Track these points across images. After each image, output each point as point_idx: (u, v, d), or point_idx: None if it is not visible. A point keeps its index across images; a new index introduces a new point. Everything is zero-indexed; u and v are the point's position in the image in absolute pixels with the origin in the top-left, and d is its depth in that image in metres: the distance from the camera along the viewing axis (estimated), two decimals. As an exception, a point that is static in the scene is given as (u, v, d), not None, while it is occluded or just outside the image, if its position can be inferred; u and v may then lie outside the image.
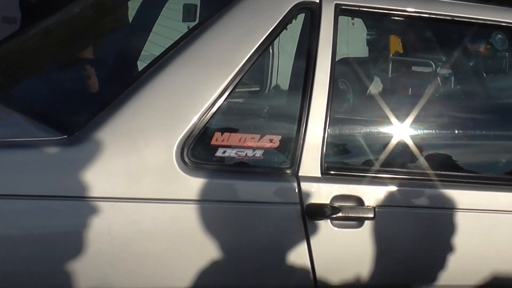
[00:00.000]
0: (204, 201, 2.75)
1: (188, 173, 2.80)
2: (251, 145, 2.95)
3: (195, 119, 2.81)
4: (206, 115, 2.82)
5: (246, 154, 2.99)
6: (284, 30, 2.92)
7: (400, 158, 3.18)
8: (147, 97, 2.71)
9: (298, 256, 2.83)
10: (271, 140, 2.98)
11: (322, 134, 2.98)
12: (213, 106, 2.84)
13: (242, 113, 3.25)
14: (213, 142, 2.94)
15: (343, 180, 3.03)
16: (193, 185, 2.76)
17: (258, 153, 2.98)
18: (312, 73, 2.94)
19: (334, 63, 2.94)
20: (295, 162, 3.00)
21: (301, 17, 2.98)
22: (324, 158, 3.00)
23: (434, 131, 3.44)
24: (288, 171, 3.00)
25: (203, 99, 2.81)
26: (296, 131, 2.98)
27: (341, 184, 3.01)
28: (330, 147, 3.08)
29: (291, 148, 2.99)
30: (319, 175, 3.01)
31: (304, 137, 2.96)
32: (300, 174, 3.01)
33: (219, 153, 2.95)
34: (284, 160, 3.01)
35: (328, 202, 2.94)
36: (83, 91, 3.41)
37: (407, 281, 3.02)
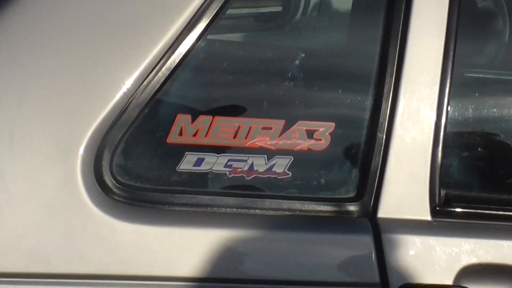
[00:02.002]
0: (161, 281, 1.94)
1: (111, 212, 1.94)
2: (266, 145, 2.02)
3: (123, 88, 1.94)
4: (150, 76, 1.95)
5: (254, 167, 2.03)
6: None
7: None
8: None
9: None
10: (311, 135, 2.04)
11: (434, 133, 2.07)
12: (168, 54, 1.96)
13: (240, 69, 2.18)
14: (172, 138, 2.00)
15: (481, 230, 2.13)
16: (125, 240, 1.92)
17: (282, 166, 2.03)
18: None
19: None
20: (370, 189, 2.09)
21: None
22: (439, 182, 2.10)
23: None
24: (353, 209, 2.10)
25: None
26: (371, 120, 2.07)
27: (478, 238, 2.09)
28: (450, 159, 2.24)
29: (361, 156, 2.11)
30: (428, 218, 2.08)
31: (390, 134, 2.06)
32: (380, 215, 2.07)
33: (186, 164, 2.01)
34: (344, 182, 2.12)
35: (451, 282, 2.05)
36: None
37: None
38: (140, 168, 1.99)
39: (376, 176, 2.03)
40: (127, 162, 1.98)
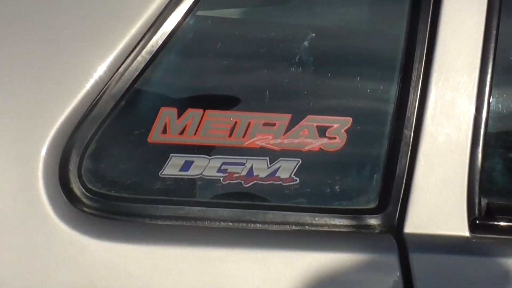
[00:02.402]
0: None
1: (80, 227, 1.78)
2: (268, 144, 1.84)
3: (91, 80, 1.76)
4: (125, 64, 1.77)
5: (253, 171, 1.84)
6: None
7: None
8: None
9: None
10: (324, 132, 1.85)
11: (473, 130, 1.87)
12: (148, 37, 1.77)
13: (237, 53, 1.93)
14: (154, 136, 1.81)
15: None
16: (97, 261, 1.76)
17: (287, 170, 1.83)
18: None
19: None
20: (395, 198, 1.90)
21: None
22: (479, 189, 1.90)
23: None
24: (374, 222, 1.91)
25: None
26: (397, 114, 1.87)
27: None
28: (492, 161, 2.02)
29: (384, 158, 1.92)
30: (466, 234, 1.90)
31: (420, 131, 1.84)
32: (408, 230, 1.89)
33: (172, 168, 1.83)
34: (363, 190, 1.95)
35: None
36: None
37: None
38: (115, 173, 1.86)
39: (402, 182, 1.88)
40: (100, 166, 1.86)
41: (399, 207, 1.92)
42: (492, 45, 1.89)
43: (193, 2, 1.81)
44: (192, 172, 1.85)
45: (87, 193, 1.84)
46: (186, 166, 1.86)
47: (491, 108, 1.95)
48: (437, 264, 1.83)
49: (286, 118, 1.86)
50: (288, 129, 1.85)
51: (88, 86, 1.74)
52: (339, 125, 1.87)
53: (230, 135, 1.84)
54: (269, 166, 1.85)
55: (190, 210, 1.83)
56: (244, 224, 1.83)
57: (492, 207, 1.96)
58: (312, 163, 1.91)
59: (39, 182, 1.76)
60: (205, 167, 1.85)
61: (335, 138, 1.87)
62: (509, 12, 1.96)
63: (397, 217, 1.92)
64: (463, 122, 1.87)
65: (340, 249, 1.83)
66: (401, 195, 1.90)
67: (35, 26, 1.81)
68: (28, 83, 1.76)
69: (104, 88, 1.79)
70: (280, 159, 1.86)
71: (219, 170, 1.85)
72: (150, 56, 1.77)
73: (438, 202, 1.87)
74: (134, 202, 1.82)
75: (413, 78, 1.85)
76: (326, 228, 1.86)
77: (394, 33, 1.93)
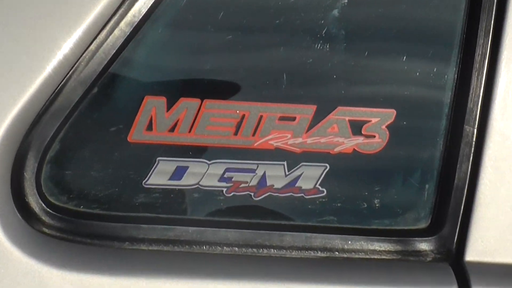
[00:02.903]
0: None
1: (38, 254, 1.57)
2: (286, 145, 1.59)
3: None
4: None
5: (266, 180, 1.57)
6: None
7: None
8: None
9: None
10: (359, 129, 1.59)
11: None
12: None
13: (244, 25, 1.61)
14: (136, 134, 1.58)
15: None
16: None
17: (311, 178, 1.57)
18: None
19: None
20: (453, 216, 1.65)
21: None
22: None
23: None
24: (425, 247, 1.67)
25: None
26: (455, 105, 1.59)
27: None
28: None
29: (438, 163, 1.65)
30: None
31: (485, 128, 1.58)
32: (470, 258, 1.65)
33: (159, 175, 1.59)
34: (411, 205, 1.69)
35: None
36: None
37: None
38: (85, 183, 1.63)
39: (462, 195, 1.66)
40: (64, 173, 1.64)
41: (458, 228, 1.72)
42: None
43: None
44: (186, 181, 1.64)
45: (48, 209, 1.65)
46: (178, 173, 1.67)
47: None
48: None
49: (309, 110, 1.65)
50: (312, 125, 1.65)
51: (49, 68, 1.57)
52: (379, 119, 1.67)
53: (236, 133, 1.64)
54: (287, 173, 1.65)
55: (184, 232, 1.63)
56: (255, 250, 1.65)
57: None
58: (343, 169, 1.70)
59: None
60: (203, 175, 1.64)
61: (373, 136, 1.67)
62: None
63: (455, 240, 1.73)
64: None
65: (380, 282, 1.66)
66: (461, 212, 1.69)
67: None
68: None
69: (71, 71, 1.59)
70: (302, 164, 1.65)
71: (222, 179, 1.65)
72: (131, 29, 1.58)
73: (511, 221, 1.63)
74: (110, 220, 1.63)
75: (477, 57, 1.63)
76: (362, 255, 1.70)
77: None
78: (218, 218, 1.64)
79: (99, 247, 1.60)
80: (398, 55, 1.61)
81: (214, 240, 1.58)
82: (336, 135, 1.60)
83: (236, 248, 1.57)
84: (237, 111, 1.64)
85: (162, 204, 1.66)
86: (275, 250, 1.61)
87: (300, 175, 1.62)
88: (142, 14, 1.56)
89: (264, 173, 1.63)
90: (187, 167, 1.64)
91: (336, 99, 1.64)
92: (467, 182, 1.64)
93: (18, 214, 1.56)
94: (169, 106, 1.62)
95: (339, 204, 1.67)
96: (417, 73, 1.61)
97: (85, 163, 1.64)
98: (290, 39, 1.63)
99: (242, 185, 1.65)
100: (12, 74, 1.56)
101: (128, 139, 1.62)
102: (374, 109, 1.64)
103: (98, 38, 1.56)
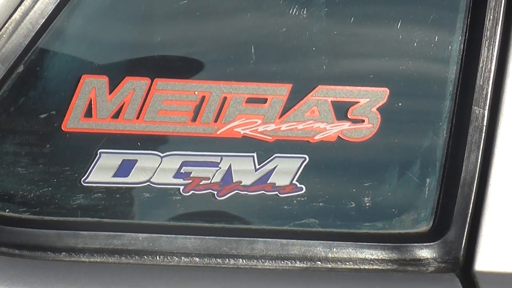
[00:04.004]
0: None
1: None
2: (256, 133, 1.42)
3: None
4: None
5: (232, 175, 1.41)
6: None
7: None
8: None
9: None
10: (344, 111, 1.41)
11: None
12: None
13: None
14: (72, 121, 1.41)
15: None
16: None
17: (286, 173, 1.42)
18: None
19: None
20: (460, 217, 1.48)
21: None
22: None
23: None
24: (427, 255, 1.54)
25: None
26: (461, 84, 1.42)
27: None
28: None
29: (441, 153, 1.49)
30: None
31: (498, 111, 1.42)
32: (480, 268, 1.51)
33: (101, 171, 1.42)
34: (408, 205, 1.52)
35: None
36: None
37: None
38: (10, 181, 1.44)
39: (471, 192, 1.50)
40: None
41: (466, 231, 1.55)
42: None
43: None
44: (135, 178, 1.45)
45: None
46: (125, 168, 1.47)
47: None
48: None
49: (284, 90, 1.46)
50: (287, 107, 1.46)
51: None
52: (369, 100, 1.48)
53: (194, 119, 1.45)
54: (257, 167, 1.45)
55: (133, 239, 1.43)
56: (219, 260, 1.45)
57: None
58: (325, 161, 1.50)
59: None
60: (155, 170, 1.45)
61: (362, 121, 1.50)
62: None
63: (463, 246, 1.56)
64: None
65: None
66: (470, 212, 1.53)
67: None
68: None
69: None
70: (275, 155, 1.46)
71: (178, 175, 1.45)
72: None
73: None
74: (42, 227, 1.43)
75: (487, 23, 1.45)
76: (349, 265, 1.53)
77: None
78: (174, 222, 1.47)
79: (29, 259, 1.39)
80: (391, 20, 1.41)
81: (170, 249, 1.39)
82: (317, 120, 1.45)
83: (197, 259, 1.39)
84: (196, 92, 1.47)
85: (106, 207, 1.48)
86: (244, 260, 1.44)
87: (273, 169, 1.44)
88: None
89: (230, 167, 1.46)
90: (135, 161, 1.46)
91: (316, 76, 1.46)
92: (476, 175, 1.49)
93: None
94: (112, 87, 1.43)
95: (321, 204, 1.50)
96: (415, 43, 1.43)
97: (10, 157, 1.46)
98: (260, 3, 1.55)
99: (203, 182, 1.46)
100: None
101: (62, 128, 1.45)
102: (363, 88, 1.48)
103: (23, 4, 1.41)
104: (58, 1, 1.43)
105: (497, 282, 1.54)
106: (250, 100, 1.42)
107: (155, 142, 1.44)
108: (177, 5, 1.47)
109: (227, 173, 1.43)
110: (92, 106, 1.42)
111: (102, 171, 1.43)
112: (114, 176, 1.43)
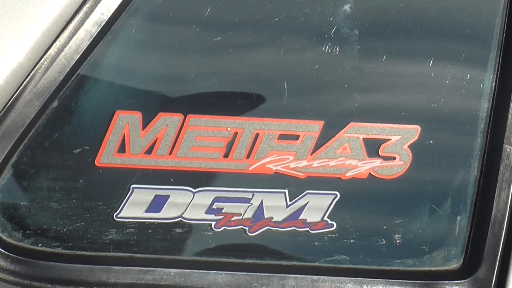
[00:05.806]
0: None
1: None
2: (288, 169, 1.41)
3: None
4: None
5: (264, 211, 1.39)
6: None
7: None
8: None
9: None
10: (376, 149, 1.42)
11: None
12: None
13: (236, 22, 1.38)
14: (105, 157, 1.41)
15: None
16: None
17: (318, 209, 1.40)
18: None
19: None
20: (491, 255, 1.48)
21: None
22: None
23: None
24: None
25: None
26: (493, 121, 1.39)
27: None
28: None
29: (472, 190, 1.44)
30: None
31: None
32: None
33: (133, 207, 1.41)
34: (439, 242, 1.48)
35: None
36: None
37: None
38: (43, 216, 1.43)
39: (501, 228, 1.47)
40: (19, 205, 1.44)
41: (496, 269, 1.56)
42: None
43: None
44: (167, 213, 1.47)
45: None
46: (157, 204, 1.48)
47: None
48: None
49: (316, 127, 1.48)
50: (319, 144, 1.47)
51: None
52: (400, 137, 1.50)
53: (226, 155, 1.45)
54: (289, 203, 1.47)
55: (165, 274, 1.42)
56: None
57: None
58: (357, 198, 1.51)
59: None
60: (188, 206, 1.46)
61: (393, 158, 1.50)
62: None
63: (493, 284, 1.56)
64: None
65: None
66: (501, 250, 1.55)
67: None
68: None
69: (26, 81, 1.43)
70: (307, 192, 1.47)
71: (210, 210, 1.46)
72: (98, 29, 1.36)
73: None
74: (74, 262, 1.45)
75: None
76: None
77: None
78: (205, 258, 1.47)
79: None
80: (423, 58, 1.41)
81: (201, 284, 1.40)
82: (348, 157, 1.43)
83: None
84: (228, 128, 1.49)
85: (138, 242, 1.49)
86: (275, 299, 1.56)
87: (304, 206, 1.45)
88: (112, 11, 1.36)
89: (261, 203, 1.46)
90: (167, 197, 1.48)
91: (348, 113, 1.49)
92: (507, 213, 1.45)
93: None
94: (146, 122, 1.46)
95: (351, 241, 1.53)
96: (447, 80, 1.42)
97: (43, 192, 1.47)
98: (292, 41, 1.40)
99: (235, 217, 1.47)
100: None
101: (95, 163, 1.47)
102: (394, 125, 1.48)
103: (58, 40, 1.42)
104: (93, 37, 1.35)
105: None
106: (282, 137, 1.42)
107: (188, 178, 1.42)
108: (211, 42, 1.43)
109: (258, 209, 1.41)
110: (126, 141, 1.43)
111: (135, 206, 1.44)
112: (147, 211, 1.43)
